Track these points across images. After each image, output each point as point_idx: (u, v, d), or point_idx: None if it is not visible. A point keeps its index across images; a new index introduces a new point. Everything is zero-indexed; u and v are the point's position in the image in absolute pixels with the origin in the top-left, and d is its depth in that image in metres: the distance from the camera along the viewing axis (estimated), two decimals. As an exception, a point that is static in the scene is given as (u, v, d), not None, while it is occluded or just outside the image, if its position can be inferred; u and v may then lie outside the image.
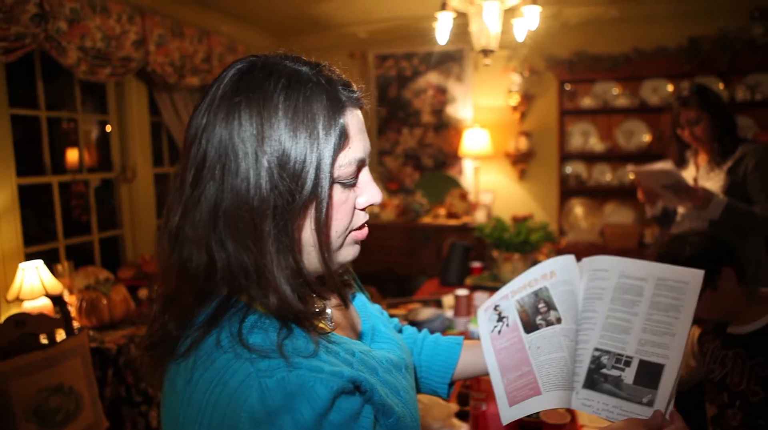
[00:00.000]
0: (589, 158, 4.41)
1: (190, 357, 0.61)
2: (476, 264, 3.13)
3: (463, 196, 4.62)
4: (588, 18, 4.23)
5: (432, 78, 4.79)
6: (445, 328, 2.35)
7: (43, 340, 2.26)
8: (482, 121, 4.61)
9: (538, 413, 1.41)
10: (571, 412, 1.51)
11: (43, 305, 2.55)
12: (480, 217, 4.42)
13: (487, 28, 2.39)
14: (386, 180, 4.95)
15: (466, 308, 2.39)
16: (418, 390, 0.99)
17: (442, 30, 2.66)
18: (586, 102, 4.24)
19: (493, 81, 4.57)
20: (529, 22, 2.54)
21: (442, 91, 4.78)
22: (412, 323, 2.30)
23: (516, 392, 0.88)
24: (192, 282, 0.64)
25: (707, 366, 1.66)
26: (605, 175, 4.37)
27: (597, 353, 0.84)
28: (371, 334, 0.81)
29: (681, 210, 2.39)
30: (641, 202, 2.54)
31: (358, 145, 0.68)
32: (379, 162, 4.99)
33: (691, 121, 2.27)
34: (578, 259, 0.97)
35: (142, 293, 2.99)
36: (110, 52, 3.01)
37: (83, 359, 2.20)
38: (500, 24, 2.46)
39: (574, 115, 4.39)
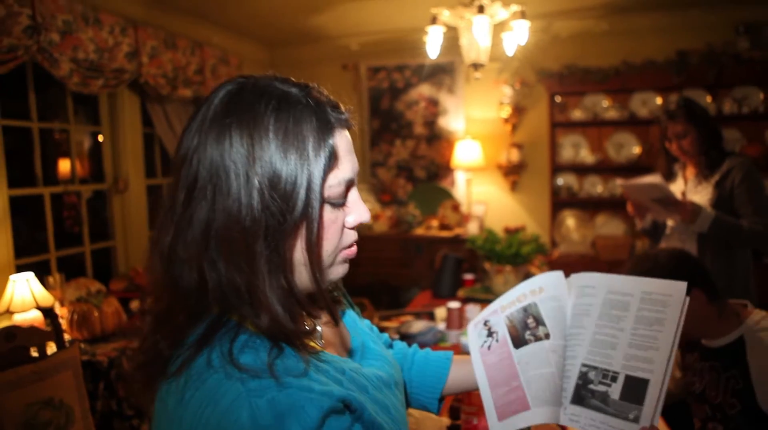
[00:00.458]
0: (580, 170, 4.44)
1: (181, 376, 0.62)
2: (468, 276, 3.14)
3: (456, 207, 4.64)
4: (578, 31, 4.29)
5: (424, 90, 4.83)
6: (438, 340, 2.36)
7: (34, 353, 2.24)
8: (474, 132, 4.64)
9: (528, 428, 1.41)
10: (563, 427, 1.52)
11: (34, 317, 2.54)
12: (472, 228, 4.44)
13: (477, 43, 2.43)
14: (379, 191, 4.97)
15: (458, 321, 2.40)
16: (409, 405, 1.00)
17: (433, 44, 2.70)
18: (577, 114, 4.29)
19: (485, 93, 4.61)
20: (518, 36, 2.58)
21: (434, 103, 4.82)
22: (405, 336, 2.30)
23: (505, 406, 0.88)
24: (183, 301, 0.65)
25: (689, 378, 1.68)
26: (596, 186, 4.41)
27: (584, 369, 0.85)
28: (361, 351, 0.82)
29: (670, 223, 2.42)
30: (630, 214, 2.57)
31: (347, 166, 0.69)
32: (371, 174, 5.01)
33: (678, 134, 2.30)
34: (569, 271, 0.98)
35: (134, 305, 2.97)
36: (103, 63, 3.02)
37: (74, 372, 2.18)
38: (490, 38, 2.50)
39: (564, 127, 4.44)
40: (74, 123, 3.44)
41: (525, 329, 0.93)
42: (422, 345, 1.08)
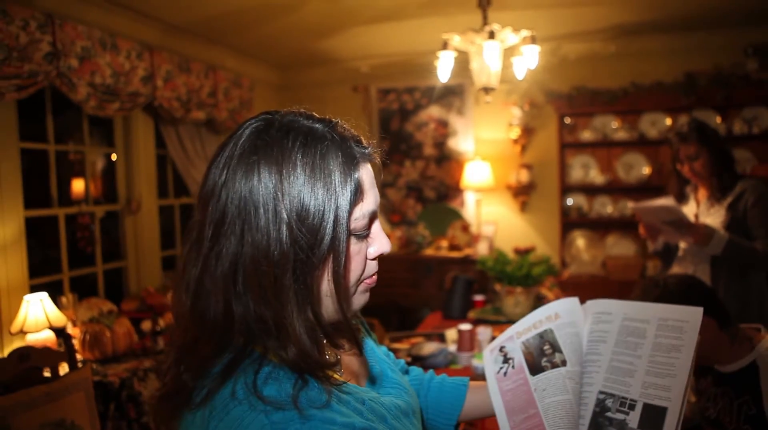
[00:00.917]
0: (590, 191, 4.44)
1: (206, 407, 0.62)
2: (479, 297, 3.13)
3: (465, 228, 4.64)
4: (586, 53, 4.33)
5: (433, 111, 4.87)
6: (449, 363, 2.35)
7: (46, 373, 2.25)
8: (483, 153, 4.67)
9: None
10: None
11: (47, 337, 2.55)
12: (482, 249, 4.43)
13: (487, 67, 2.46)
14: (389, 212, 4.99)
15: (469, 343, 2.38)
16: (425, 431, 1.00)
17: (444, 68, 2.73)
18: (586, 135, 4.30)
19: (494, 114, 4.64)
20: (528, 60, 2.61)
21: (443, 124, 4.85)
22: (416, 358, 2.29)
23: (522, 434, 0.88)
24: (209, 334, 0.66)
25: (702, 404, 1.66)
26: (606, 207, 4.41)
27: (602, 396, 0.85)
28: (379, 379, 0.83)
29: (683, 245, 2.41)
30: (641, 236, 2.56)
31: (371, 199, 0.71)
32: (381, 194, 5.00)
33: (690, 156, 2.30)
34: (579, 292, 0.98)
35: (145, 325, 2.98)
36: (119, 87, 3.08)
37: (86, 394, 2.19)
38: (501, 62, 2.52)
39: (574, 148, 4.45)
40: (89, 145, 3.49)
41: (541, 356, 0.93)
42: (433, 367, 1.09)
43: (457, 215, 4.79)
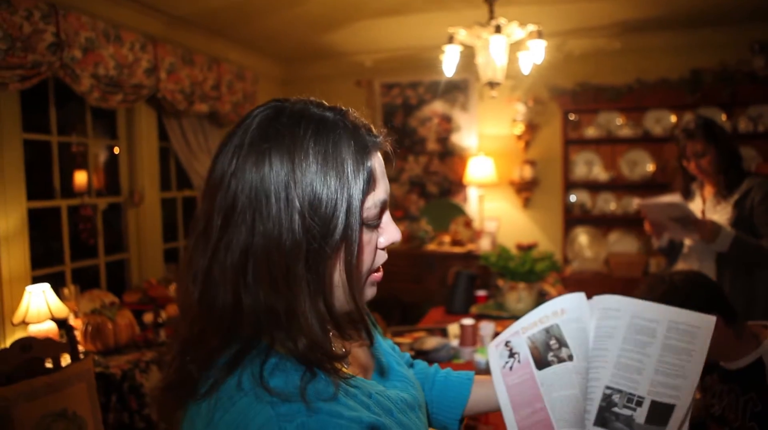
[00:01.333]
0: (593, 187, 4.43)
1: (211, 398, 0.61)
2: (481, 292, 3.13)
3: (468, 223, 4.63)
4: (591, 50, 4.31)
5: (437, 107, 4.85)
6: (451, 357, 2.35)
7: (48, 364, 2.26)
8: (487, 149, 4.65)
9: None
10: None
11: (49, 328, 2.56)
12: (484, 244, 4.43)
13: (493, 62, 2.44)
14: (392, 207, 4.96)
15: (471, 338, 2.38)
16: (429, 425, 0.99)
17: (449, 62, 2.71)
18: (590, 132, 4.28)
19: (498, 110, 4.63)
20: (534, 55, 2.59)
21: (447, 119, 4.84)
22: (418, 352, 2.29)
23: (529, 428, 0.88)
24: (217, 324, 0.65)
25: (708, 400, 1.65)
26: (609, 204, 4.39)
27: (608, 391, 0.84)
28: (386, 372, 0.82)
29: (688, 242, 2.40)
30: (647, 233, 2.55)
31: (382, 188, 0.70)
32: (383, 188, 5.02)
33: (697, 153, 2.29)
34: (582, 288, 0.98)
35: (147, 317, 2.99)
36: (122, 79, 3.07)
37: (88, 385, 2.19)
38: (506, 57, 2.51)
39: (578, 144, 4.43)
40: (92, 137, 3.48)
41: (548, 351, 0.92)
42: (436, 361, 1.08)
43: (459, 211, 4.78)
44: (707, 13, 3.72)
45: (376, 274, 0.73)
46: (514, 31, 2.46)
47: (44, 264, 3.07)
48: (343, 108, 0.70)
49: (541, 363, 0.92)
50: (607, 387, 0.85)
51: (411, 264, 4.47)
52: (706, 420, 1.68)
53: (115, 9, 3.13)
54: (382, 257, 0.73)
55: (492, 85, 2.53)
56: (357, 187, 0.65)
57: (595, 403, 0.85)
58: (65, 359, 2.34)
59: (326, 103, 0.71)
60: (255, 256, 0.63)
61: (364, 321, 0.70)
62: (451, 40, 2.63)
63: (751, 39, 3.93)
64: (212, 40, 4.01)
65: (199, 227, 0.67)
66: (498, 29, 2.38)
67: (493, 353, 1.01)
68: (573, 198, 4.48)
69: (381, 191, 0.70)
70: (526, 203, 4.66)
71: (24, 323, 2.53)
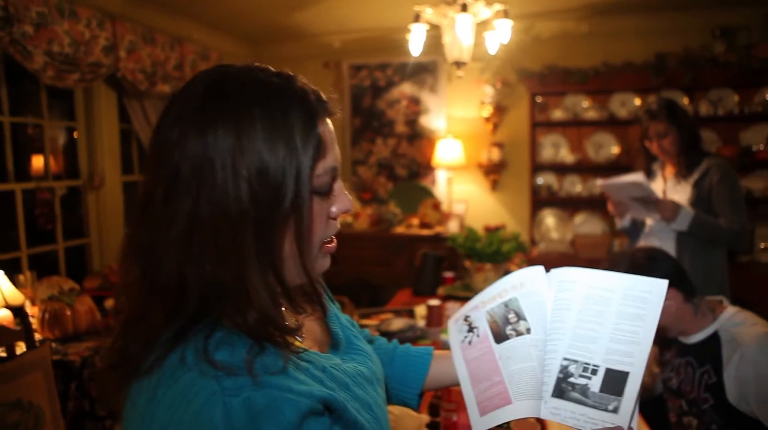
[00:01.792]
0: (560, 169, 4.48)
1: (153, 375, 0.59)
2: (449, 274, 3.14)
3: (436, 206, 4.64)
4: (559, 32, 4.33)
5: (406, 89, 4.82)
6: (417, 338, 2.35)
7: (2, 353, 2.18)
8: (455, 131, 4.65)
9: (508, 423, 1.41)
10: (540, 421, 1.52)
11: (3, 316, 2.46)
12: (453, 227, 4.45)
13: (459, 41, 2.42)
14: (360, 190, 4.95)
15: (438, 319, 2.39)
16: (389, 401, 0.99)
17: (416, 42, 2.69)
18: (557, 114, 4.32)
19: (467, 92, 4.62)
20: (501, 35, 2.58)
21: (415, 101, 4.82)
22: (385, 334, 2.29)
23: (487, 402, 0.88)
24: (160, 301, 0.62)
25: (666, 374, 1.69)
26: (575, 186, 4.45)
27: (565, 363, 0.85)
28: (343, 345, 0.81)
29: (649, 222, 2.44)
30: (610, 213, 2.59)
31: (332, 155, 0.68)
32: (352, 172, 4.99)
33: (659, 133, 2.33)
34: (549, 269, 0.97)
35: (109, 303, 2.91)
36: (79, 57, 2.95)
37: (44, 373, 2.13)
38: (473, 37, 2.49)
39: (545, 127, 4.47)
40: (48, 118, 3.35)
41: (506, 324, 0.92)
42: (402, 342, 1.07)
43: (428, 193, 4.79)
44: (671, -2, 3.77)
45: (328, 244, 0.71)
46: (481, 10, 2.45)
47: (-2, 250, 2.96)
48: (290, 73, 0.68)
49: (500, 337, 0.92)
50: (564, 358, 0.85)
51: (379, 247, 4.47)
52: (663, 393, 1.73)
53: (69, -17, 3.00)
54: (334, 227, 0.71)
55: (458, 64, 2.51)
56: (306, 154, 0.63)
57: (553, 375, 0.85)
58: (20, 348, 2.26)
59: (272, 68, 0.68)
60: (200, 227, 0.60)
61: (317, 292, 0.68)
62: (417, 18, 2.60)
63: (712, 24, 4.01)
64: (175, 19, 3.89)
65: (140, 200, 0.64)
66: (464, 8, 2.37)
67: (452, 328, 1.01)
68: (540, 180, 4.52)
69: (331, 158, 0.67)
70: (494, 186, 4.69)
71: (-23, 311, 2.44)
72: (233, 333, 0.61)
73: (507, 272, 3.02)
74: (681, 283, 1.55)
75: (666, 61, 4.00)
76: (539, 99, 4.43)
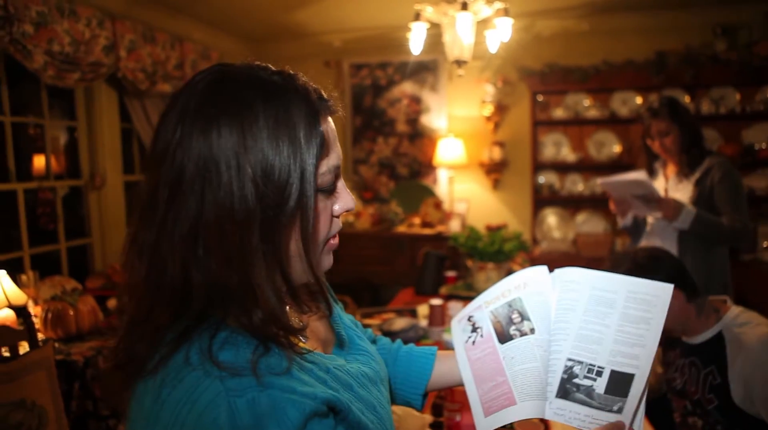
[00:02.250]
0: (562, 168, 4.47)
1: (158, 374, 0.59)
2: (451, 273, 3.14)
3: (438, 205, 4.64)
4: (559, 31, 4.32)
5: (407, 88, 4.82)
6: (420, 338, 2.35)
7: (5, 353, 2.18)
8: (456, 130, 4.65)
9: (512, 424, 1.41)
10: (544, 422, 1.52)
11: (6, 316, 2.47)
12: (454, 226, 4.45)
13: (460, 39, 2.42)
14: (361, 189, 4.95)
15: (440, 318, 2.39)
16: (392, 401, 0.99)
17: (416, 40, 2.68)
18: (558, 113, 4.31)
19: (467, 91, 4.62)
20: (501, 33, 2.58)
21: (416, 100, 4.81)
22: (387, 333, 2.29)
23: (491, 402, 0.87)
24: (166, 301, 0.62)
25: (670, 374, 1.69)
26: (577, 185, 4.45)
27: (570, 363, 0.85)
28: (347, 346, 0.81)
29: (650, 220, 2.44)
30: (612, 212, 2.59)
31: (335, 153, 0.68)
32: (354, 171, 4.99)
33: (661, 132, 2.32)
34: (551, 268, 0.97)
35: (111, 303, 2.91)
36: (79, 57, 2.95)
37: (48, 373, 2.13)
38: (473, 35, 2.49)
39: (546, 125, 4.46)
40: (49, 118, 3.35)
41: (510, 325, 0.92)
42: (405, 342, 1.07)
43: (429, 192, 4.78)
44: (672, -5, 3.76)
45: (332, 241, 0.71)
46: (481, 8, 2.44)
47: (0, 250, 2.96)
48: (291, 72, 0.67)
49: (504, 337, 0.92)
50: (569, 359, 0.85)
51: (381, 246, 4.47)
52: (667, 394, 1.72)
53: (70, -17, 3.00)
54: (337, 224, 0.71)
55: (459, 63, 2.51)
56: (310, 152, 0.63)
57: (557, 375, 0.85)
58: (23, 347, 2.26)
59: (272, 67, 0.68)
60: (206, 228, 0.60)
61: (323, 291, 0.68)
62: (417, 17, 2.59)
63: (713, 22, 4.00)
64: (175, 18, 3.88)
65: (143, 201, 0.64)
66: (464, 6, 2.36)
67: (456, 328, 1.01)
68: (541, 179, 4.52)
69: (334, 157, 0.68)
70: (496, 185, 4.68)
71: (-21, 311, 2.44)
72: (237, 333, 0.61)
73: (509, 272, 3.03)
74: (684, 283, 1.55)
75: (667, 60, 4.00)
76: (540, 98, 4.42)
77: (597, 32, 4.25)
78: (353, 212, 4.39)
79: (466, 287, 2.97)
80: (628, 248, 2.61)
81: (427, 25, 2.63)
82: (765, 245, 3.88)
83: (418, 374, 0.98)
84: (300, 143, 0.62)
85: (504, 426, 0.87)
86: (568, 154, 4.39)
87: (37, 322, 2.54)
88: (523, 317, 0.91)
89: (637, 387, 0.79)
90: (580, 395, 0.82)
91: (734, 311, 1.57)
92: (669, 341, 1.69)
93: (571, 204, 4.48)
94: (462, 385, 0.95)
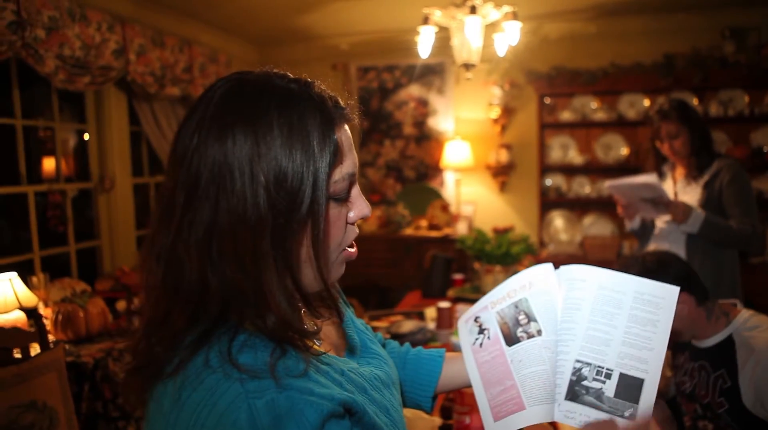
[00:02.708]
0: (569, 171, 4.47)
1: (177, 377, 0.60)
2: (458, 276, 3.14)
3: (445, 207, 4.64)
4: (567, 33, 4.32)
5: (413, 90, 4.83)
6: (428, 340, 2.35)
7: (16, 354, 2.20)
8: (463, 133, 4.65)
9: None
10: (553, 424, 1.52)
11: (17, 318, 2.49)
12: (461, 228, 4.44)
13: (468, 43, 2.43)
14: (368, 192, 4.96)
15: (448, 320, 2.39)
16: (402, 404, 0.99)
17: (424, 44, 2.69)
18: (565, 115, 4.31)
19: (474, 94, 4.62)
20: (510, 37, 2.58)
21: (423, 103, 4.82)
22: (395, 336, 2.29)
23: (500, 406, 0.88)
24: (183, 304, 0.63)
25: (679, 378, 1.69)
26: (584, 187, 4.44)
27: (578, 365, 0.84)
28: (359, 350, 0.81)
29: (660, 224, 2.43)
30: (620, 216, 2.58)
31: (350, 161, 0.69)
32: (361, 174, 4.99)
33: (670, 134, 2.31)
34: (557, 267, 0.96)
35: (120, 305, 2.93)
36: (89, 61, 2.97)
37: (58, 374, 2.15)
38: (481, 39, 2.49)
39: (553, 128, 4.46)
40: (59, 121, 3.38)
41: (517, 326, 0.92)
42: (413, 345, 1.08)
43: (436, 195, 4.79)
44: (680, -2, 3.75)
45: (349, 250, 0.72)
46: (490, 12, 2.45)
47: (11, 252, 2.99)
48: (308, 79, 0.68)
49: (511, 339, 0.91)
50: (577, 360, 0.85)
51: (388, 249, 4.47)
52: (677, 397, 1.72)
53: (81, -12, 3.03)
54: (352, 232, 0.72)
55: (467, 66, 2.52)
56: (323, 160, 0.64)
57: (566, 377, 0.85)
58: (34, 349, 2.28)
59: (290, 74, 0.68)
60: (220, 233, 0.61)
61: (333, 298, 0.69)
62: (426, 21, 2.60)
63: (722, 25, 3.98)
64: (184, 22, 3.91)
65: (162, 205, 0.65)
66: (473, 10, 2.37)
67: (462, 330, 1.01)
68: (548, 182, 4.51)
69: (349, 164, 0.68)
70: (503, 187, 4.68)
71: (-10, 313, 2.46)
72: (255, 336, 0.62)
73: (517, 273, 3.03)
74: (693, 286, 1.55)
75: (675, 62, 3.98)
76: (547, 100, 4.42)
77: (604, 35, 4.25)
78: (368, 216, 4.41)
79: (474, 289, 2.97)
80: (636, 252, 2.60)
81: (435, 29, 2.64)
82: (774, 248, 3.85)
83: (427, 376, 0.98)
84: (313, 151, 0.63)
85: (513, 429, 0.87)
86: (575, 157, 4.38)
87: (48, 324, 2.55)
88: (530, 318, 0.91)
89: (649, 393, 0.79)
90: (589, 398, 0.82)
91: (744, 314, 1.57)
92: (678, 344, 1.69)
93: (578, 207, 4.48)
94: (470, 387, 0.95)
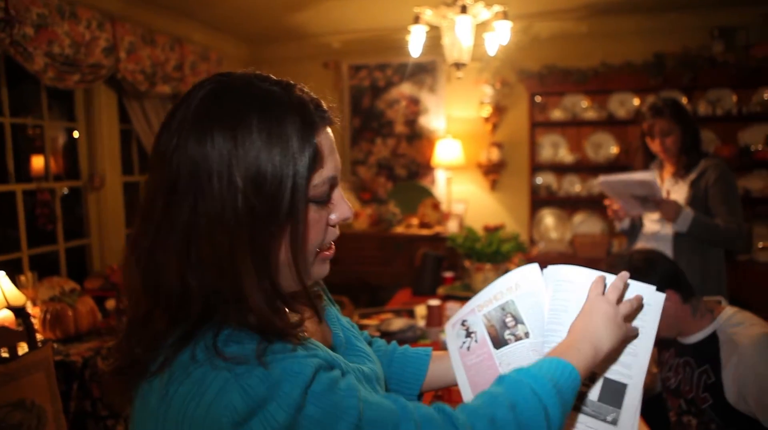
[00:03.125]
0: (559, 169, 4.49)
1: (164, 373, 0.60)
2: (448, 274, 3.15)
3: (436, 206, 4.65)
4: (558, 33, 4.33)
5: (405, 89, 4.83)
6: (417, 338, 2.36)
7: (4, 354, 2.19)
8: (455, 132, 4.66)
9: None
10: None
11: (5, 317, 2.47)
12: (452, 227, 4.46)
13: (459, 42, 2.43)
14: (359, 190, 4.96)
15: (438, 318, 2.40)
16: (389, 402, 1.00)
17: (415, 43, 2.69)
18: (556, 114, 4.33)
19: (466, 92, 4.63)
20: (500, 36, 2.59)
21: (415, 101, 4.82)
22: (385, 334, 2.30)
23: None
24: (164, 307, 0.63)
25: (664, 373, 1.71)
26: (575, 185, 4.46)
27: (562, 366, 0.85)
28: (343, 347, 0.82)
29: (648, 224, 2.45)
30: (609, 217, 2.60)
31: (330, 164, 0.69)
32: (352, 172, 5.00)
33: (663, 131, 2.33)
34: (544, 266, 0.96)
35: (110, 304, 2.92)
36: (79, 58, 2.96)
37: (47, 373, 2.14)
38: (472, 38, 2.50)
39: (544, 126, 4.48)
40: (48, 119, 3.36)
41: (504, 329, 0.92)
42: (402, 343, 1.08)
43: (427, 193, 4.80)
44: (670, -2, 3.78)
45: (326, 251, 0.72)
46: (480, 11, 2.46)
47: (-1, 251, 2.97)
48: (291, 82, 0.68)
49: (498, 342, 0.92)
50: (562, 362, 0.86)
51: (379, 247, 4.48)
52: (662, 393, 1.74)
53: (69, -15, 3.01)
54: (332, 234, 0.72)
55: (458, 66, 2.52)
56: (302, 164, 0.64)
57: (551, 378, 0.85)
58: (22, 348, 2.27)
59: (273, 77, 0.69)
60: (197, 236, 0.61)
61: (311, 300, 0.69)
62: (417, 20, 2.60)
63: (711, 25, 4.01)
64: (175, 20, 3.89)
65: (142, 206, 0.65)
66: (464, 9, 2.37)
67: (450, 334, 1.01)
68: (539, 180, 4.53)
69: (330, 168, 0.68)
70: (494, 185, 4.70)
71: (-22, 312, 2.44)
72: (239, 330, 0.63)
73: (506, 272, 3.04)
74: (679, 284, 1.56)
75: (665, 61, 4.01)
76: (538, 99, 4.44)
77: (595, 34, 4.27)
78: (350, 218, 4.41)
79: (464, 287, 2.98)
80: (624, 250, 2.62)
81: (426, 28, 2.64)
82: (760, 246, 3.89)
83: (414, 374, 0.99)
84: (293, 155, 0.63)
85: None
86: (565, 156, 4.40)
87: (36, 323, 2.54)
88: (517, 320, 0.91)
89: (632, 398, 0.79)
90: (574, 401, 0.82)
91: (728, 311, 1.59)
92: (664, 340, 1.71)
93: (569, 205, 4.50)
94: (457, 385, 0.96)
